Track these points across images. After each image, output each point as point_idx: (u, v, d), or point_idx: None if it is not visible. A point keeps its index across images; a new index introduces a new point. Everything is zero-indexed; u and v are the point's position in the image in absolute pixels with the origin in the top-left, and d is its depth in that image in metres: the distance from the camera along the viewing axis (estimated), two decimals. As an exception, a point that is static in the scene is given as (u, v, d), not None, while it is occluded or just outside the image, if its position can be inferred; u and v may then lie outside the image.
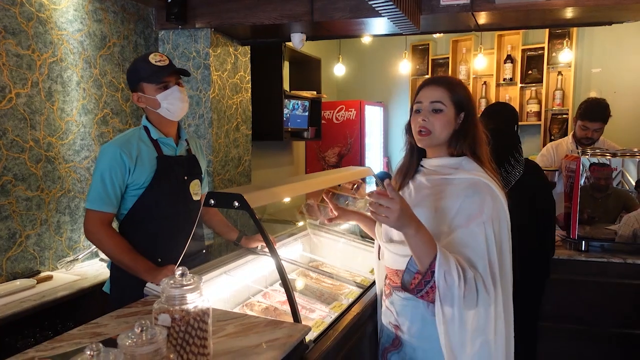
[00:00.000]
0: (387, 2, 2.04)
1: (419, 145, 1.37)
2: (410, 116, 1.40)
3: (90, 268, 2.33)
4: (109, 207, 1.70)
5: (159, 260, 1.74)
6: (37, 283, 2.06)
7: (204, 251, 2.07)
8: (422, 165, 1.41)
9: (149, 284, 1.65)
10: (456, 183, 1.29)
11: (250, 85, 3.32)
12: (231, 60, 3.08)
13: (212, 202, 1.47)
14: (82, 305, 2.06)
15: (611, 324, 2.41)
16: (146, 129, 1.77)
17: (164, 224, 1.78)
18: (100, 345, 0.88)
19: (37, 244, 2.22)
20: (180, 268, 1.12)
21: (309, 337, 1.41)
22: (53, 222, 2.29)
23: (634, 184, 2.47)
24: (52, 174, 2.28)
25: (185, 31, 2.86)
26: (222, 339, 1.27)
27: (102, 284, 2.17)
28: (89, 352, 0.87)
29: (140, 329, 0.98)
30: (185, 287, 1.10)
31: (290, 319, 1.45)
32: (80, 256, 2.39)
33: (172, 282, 1.11)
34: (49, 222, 2.27)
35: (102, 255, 2.44)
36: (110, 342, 1.07)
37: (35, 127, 2.18)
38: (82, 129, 2.42)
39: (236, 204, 1.46)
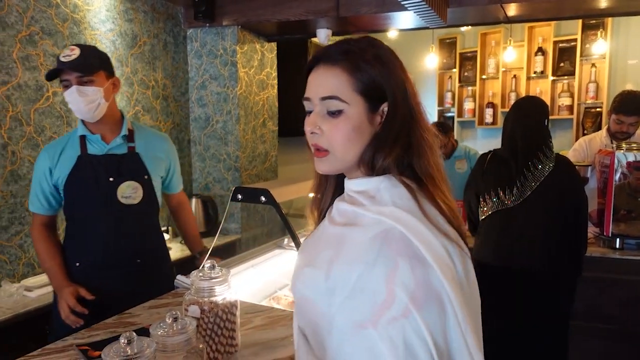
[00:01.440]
0: (413, -5, 2.02)
1: (318, 171, 0.84)
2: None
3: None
4: (40, 209, 1.66)
5: (77, 264, 1.64)
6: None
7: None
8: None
9: (179, 276, 1.70)
10: (364, 226, 0.74)
11: (276, 81, 3.35)
12: (258, 57, 3.11)
13: (240, 197, 1.50)
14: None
15: (647, 323, 2.34)
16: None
17: (83, 226, 1.64)
18: (134, 333, 0.92)
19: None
20: (209, 261, 1.15)
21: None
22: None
23: (672, 179, 2.38)
24: (87, 169, 2.36)
25: (213, 29, 2.91)
26: (249, 331, 1.30)
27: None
28: (123, 340, 0.90)
29: (171, 319, 1.02)
30: (213, 280, 1.13)
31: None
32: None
33: (201, 274, 1.14)
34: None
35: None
36: (143, 332, 1.11)
37: (70, 125, 2.26)
38: (114, 126, 2.50)
39: (263, 199, 1.49)
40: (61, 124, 2.22)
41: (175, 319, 1.02)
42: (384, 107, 0.77)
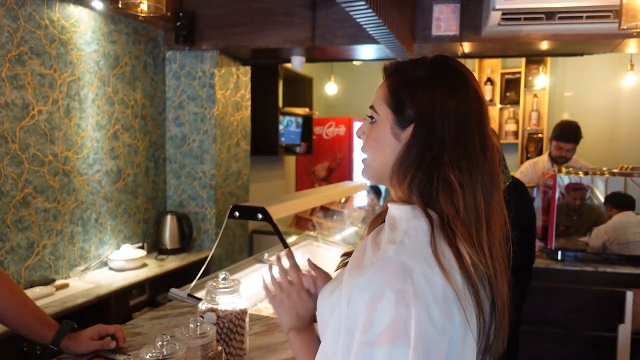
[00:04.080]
0: (387, 33, 2.25)
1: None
2: None
3: (102, 276, 2.45)
4: None
5: None
6: (55, 290, 2.16)
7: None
8: None
9: (173, 289, 1.79)
10: (373, 250, 0.75)
11: (249, 103, 3.50)
12: (233, 80, 3.25)
13: (237, 214, 1.63)
14: (101, 310, 2.17)
15: (585, 326, 2.65)
16: None
17: None
18: (169, 337, 1.04)
19: (52, 253, 2.32)
20: (222, 272, 1.28)
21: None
22: (67, 233, 2.40)
23: (602, 199, 2.74)
24: (68, 186, 2.39)
25: (192, 52, 3.03)
26: (252, 337, 1.42)
27: (116, 291, 2.30)
28: (159, 343, 1.02)
29: (194, 324, 1.14)
30: (227, 289, 1.26)
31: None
32: (91, 265, 2.50)
33: (215, 284, 1.27)
34: (64, 232, 2.38)
35: (112, 265, 2.56)
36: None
37: (54, 142, 2.30)
38: (95, 144, 2.55)
39: (260, 216, 1.63)
40: (45, 141, 2.25)
41: (198, 324, 1.14)
42: (409, 127, 0.73)
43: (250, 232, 4.01)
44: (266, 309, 2.12)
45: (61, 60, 2.32)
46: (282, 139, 4.10)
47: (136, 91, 2.83)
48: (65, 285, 2.25)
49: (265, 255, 2.42)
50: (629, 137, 4.66)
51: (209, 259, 1.77)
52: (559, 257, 2.78)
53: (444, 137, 0.71)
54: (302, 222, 3.49)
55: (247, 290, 2.13)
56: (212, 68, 3.02)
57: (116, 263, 2.53)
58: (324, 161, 5.17)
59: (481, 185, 0.71)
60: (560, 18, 2.35)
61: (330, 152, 5.15)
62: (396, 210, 0.76)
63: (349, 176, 5.04)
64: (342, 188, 2.66)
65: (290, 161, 5.11)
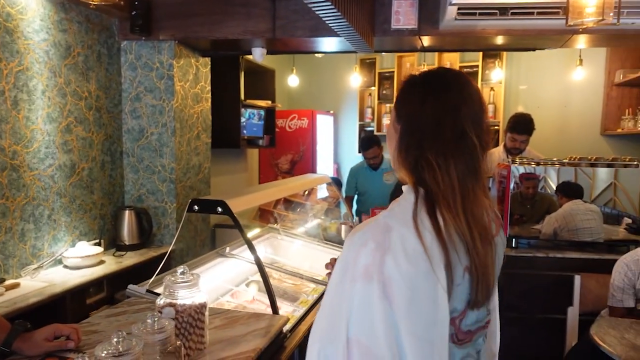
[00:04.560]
0: (347, 26, 2.26)
1: None
2: None
3: (56, 275, 2.36)
4: None
5: None
6: (5, 290, 2.07)
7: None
8: None
9: (131, 285, 1.75)
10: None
11: (210, 95, 3.44)
12: (193, 71, 3.19)
13: (197, 208, 1.61)
14: (56, 310, 2.10)
15: (537, 310, 2.78)
16: None
17: None
18: (125, 333, 1.02)
19: (1, 252, 2.22)
20: (181, 266, 1.27)
21: (285, 327, 1.59)
22: (17, 230, 2.30)
23: (554, 188, 2.87)
24: (17, 182, 2.29)
25: (149, 42, 2.94)
26: (212, 330, 1.42)
27: (72, 289, 2.22)
28: (115, 339, 1.00)
29: (151, 320, 1.12)
30: (186, 283, 1.24)
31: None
32: (44, 263, 2.40)
33: (173, 279, 1.25)
34: (14, 230, 2.28)
35: (67, 262, 2.47)
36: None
37: (1, 136, 2.19)
38: (46, 137, 2.44)
39: (219, 209, 1.61)
40: (-9, 134, 2.14)
41: (156, 320, 1.12)
42: (402, 122, 0.93)
43: (213, 226, 3.97)
44: (228, 302, 2.11)
45: (7, 50, 2.20)
46: (245, 131, 4.06)
47: (90, 82, 2.73)
48: (16, 285, 2.15)
49: (227, 249, 2.41)
50: (579, 129, 4.89)
51: (168, 253, 1.74)
52: (513, 244, 2.89)
53: (424, 130, 0.89)
54: (266, 215, 3.47)
55: (208, 284, 2.11)
56: (170, 59, 2.94)
57: (71, 261, 2.45)
58: (287, 154, 5.16)
59: (454, 167, 0.87)
60: (513, 14, 2.44)
61: (294, 145, 5.15)
62: (403, 189, 0.94)
63: (312, 168, 5.05)
64: (304, 180, 2.67)
65: (253, 154, 5.07)
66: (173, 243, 1.71)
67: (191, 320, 1.23)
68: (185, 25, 2.85)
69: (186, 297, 1.23)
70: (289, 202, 3.42)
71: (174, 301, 1.21)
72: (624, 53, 4.52)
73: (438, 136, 0.88)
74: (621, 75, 4.44)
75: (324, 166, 5.42)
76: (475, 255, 0.85)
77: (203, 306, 1.26)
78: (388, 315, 0.78)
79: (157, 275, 1.73)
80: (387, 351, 0.78)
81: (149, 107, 3.00)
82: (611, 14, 1.82)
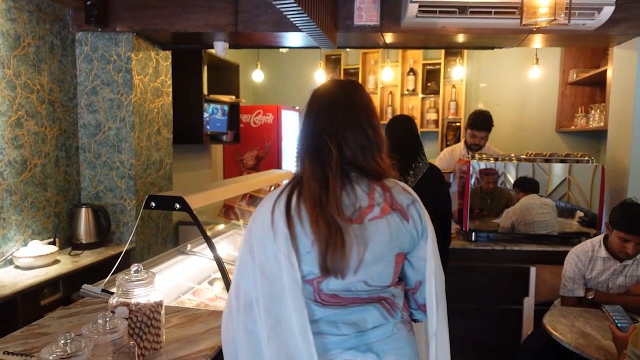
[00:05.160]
0: (309, 21, 2.25)
1: None
2: None
3: (6, 275, 2.25)
4: None
5: None
6: (-51, 293, 1.96)
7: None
8: None
9: (85, 285, 1.69)
10: None
11: (171, 89, 3.36)
12: (152, 65, 3.10)
13: (154, 204, 1.56)
14: (5, 312, 2.00)
15: (495, 301, 2.87)
16: None
17: None
18: (72, 334, 0.98)
19: (-55, 253, 2.10)
20: (135, 264, 1.23)
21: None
22: (-37, 230, 2.18)
23: (512, 183, 2.96)
24: (-38, 178, 2.17)
25: (105, 34, 2.84)
26: (170, 329, 1.39)
27: (23, 290, 2.13)
28: (63, 341, 0.96)
29: (103, 320, 1.09)
30: (140, 282, 1.21)
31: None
32: (-7, 264, 2.29)
33: (127, 277, 1.21)
34: (-41, 229, 2.16)
35: (18, 263, 2.37)
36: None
37: (-57, 130, 2.07)
38: (-6, 132, 2.32)
39: (177, 205, 1.57)
40: None
41: (107, 320, 1.09)
42: None
43: (176, 223, 3.89)
44: (189, 300, 2.07)
45: (-51, 38, 2.08)
46: (208, 127, 3.99)
47: (42, 75, 2.61)
48: (-38, 288, 2.04)
49: (188, 247, 2.36)
50: (536, 126, 5.06)
51: (124, 252, 1.69)
52: (473, 238, 2.97)
53: (301, 131, 1.20)
54: (230, 212, 3.43)
55: (168, 282, 2.07)
56: (128, 52, 2.85)
57: (23, 260, 2.34)
58: (252, 150, 5.11)
59: (307, 157, 1.14)
60: (471, 12, 2.49)
61: (259, 141, 5.10)
62: None
63: (277, 164, 5.02)
64: (268, 176, 2.64)
65: (218, 150, 4.99)
66: (129, 241, 1.66)
67: (146, 320, 1.20)
68: (144, 17, 2.77)
69: (141, 295, 1.19)
70: (253, 198, 3.39)
71: (128, 300, 1.18)
72: (577, 53, 4.71)
73: (301, 136, 1.19)
74: (574, 75, 4.62)
75: (290, 162, 5.40)
76: (316, 232, 1.05)
77: (159, 305, 1.23)
78: (250, 266, 1.08)
79: (113, 274, 1.68)
80: (252, 290, 1.07)
81: (106, 101, 2.90)
82: (562, 15, 1.89)
